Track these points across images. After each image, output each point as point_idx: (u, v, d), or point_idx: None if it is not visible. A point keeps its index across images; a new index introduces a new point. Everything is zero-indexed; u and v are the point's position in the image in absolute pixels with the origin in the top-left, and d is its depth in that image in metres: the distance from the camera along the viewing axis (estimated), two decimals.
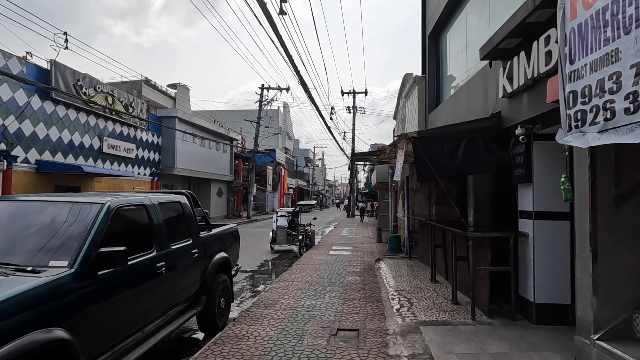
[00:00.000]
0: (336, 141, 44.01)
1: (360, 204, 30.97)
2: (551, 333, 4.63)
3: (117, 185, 18.75)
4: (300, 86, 10.91)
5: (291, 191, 54.04)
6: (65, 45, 11.96)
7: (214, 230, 5.75)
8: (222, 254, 5.67)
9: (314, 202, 17.25)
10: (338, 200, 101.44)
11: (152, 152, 22.07)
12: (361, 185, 58.04)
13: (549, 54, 4.09)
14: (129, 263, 3.45)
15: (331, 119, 24.22)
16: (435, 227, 7.37)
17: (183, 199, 5.00)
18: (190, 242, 4.81)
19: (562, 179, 4.16)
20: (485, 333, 4.66)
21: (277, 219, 13.91)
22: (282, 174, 46.91)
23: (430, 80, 10.29)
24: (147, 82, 35.21)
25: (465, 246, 6.16)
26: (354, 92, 39.28)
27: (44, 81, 13.91)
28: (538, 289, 4.94)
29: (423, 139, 5.50)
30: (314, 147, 77.29)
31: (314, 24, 10.67)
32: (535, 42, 4.34)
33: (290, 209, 14.66)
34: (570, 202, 4.13)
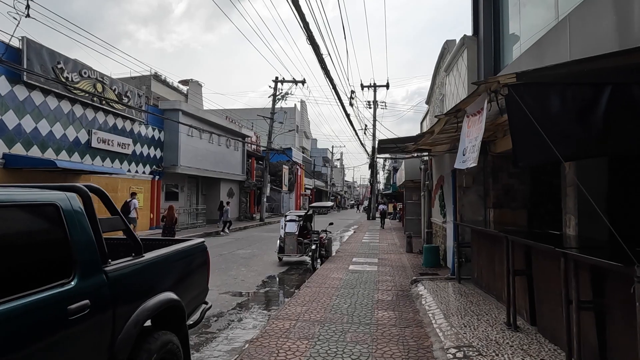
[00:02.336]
0: (355, 133, 41.41)
1: (381, 206, 28.03)
2: None
3: (110, 184, 16.65)
4: (310, 46, 8.48)
5: (308, 192, 51.67)
6: (26, 12, 9.81)
7: (150, 255, 3.30)
8: (165, 296, 3.23)
9: (330, 203, 14.72)
10: (353, 202, 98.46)
11: (152, 148, 19.98)
12: (380, 187, 55.23)
13: None
14: None
15: (351, 104, 21.64)
16: (514, 243, 4.75)
17: (63, 200, 2.57)
18: (72, 286, 2.37)
19: None
20: None
21: (285, 225, 11.47)
22: (299, 174, 44.60)
23: (486, 42, 7.66)
24: (156, 77, 33.47)
25: (588, 283, 3.56)
26: (375, 86, 36.66)
27: (13, 62, 11.85)
28: None
29: (529, 87, 2.92)
30: (332, 147, 74.78)
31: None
32: None
33: (302, 212, 12.18)
34: None
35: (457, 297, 6.33)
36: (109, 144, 16.44)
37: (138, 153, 18.73)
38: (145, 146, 19.37)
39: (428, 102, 13.11)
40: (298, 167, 43.38)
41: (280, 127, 38.62)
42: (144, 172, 19.22)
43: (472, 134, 3.65)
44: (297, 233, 11.27)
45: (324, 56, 9.77)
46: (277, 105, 31.07)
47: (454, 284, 7.31)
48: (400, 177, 17.27)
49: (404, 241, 15.76)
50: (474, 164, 3.52)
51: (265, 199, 30.66)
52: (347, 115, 20.18)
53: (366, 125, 32.42)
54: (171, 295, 3.35)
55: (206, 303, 4.33)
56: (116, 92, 16.49)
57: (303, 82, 30.38)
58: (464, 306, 5.81)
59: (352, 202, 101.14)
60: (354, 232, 22.41)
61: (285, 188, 40.59)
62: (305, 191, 49.28)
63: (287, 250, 11.32)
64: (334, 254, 12.50)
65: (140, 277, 3.07)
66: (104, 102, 15.76)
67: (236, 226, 24.77)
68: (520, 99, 2.87)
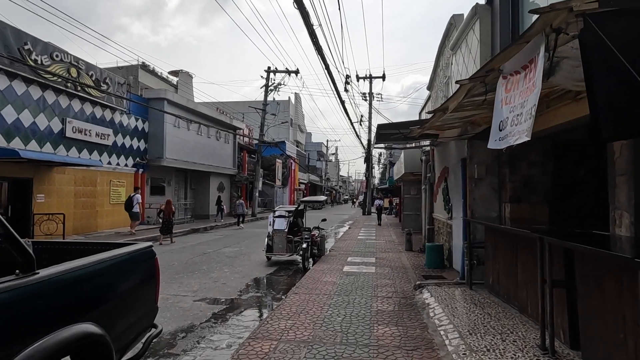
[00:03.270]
0: (350, 122, 40.29)
1: (378, 202, 26.45)
2: None
3: (87, 177, 15.52)
4: (297, 11, 7.36)
5: (302, 186, 50.65)
6: None
7: (51, 270, 2.27)
8: (77, 331, 2.21)
9: (324, 197, 13.68)
10: (348, 197, 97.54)
11: (135, 139, 18.80)
12: (375, 182, 54.19)
13: None
14: None
15: (346, 90, 20.47)
16: (553, 247, 3.75)
17: None
18: None
19: None
20: None
21: (273, 221, 10.43)
22: (293, 168, 43.54)
23: (502, 11, 6.63)
24: (144, 67, 32.17)
25: None
26: (371, 77, 35.59)
27: None
28: None
29: (619, 16, 1.90)
30: (327, 141, 73.62)
31: None
32: None
33: (292, 208, 11.15)
34: None
35: (471, 308, 5.34)
36: (86, 134, 15.26)
37: (119, 144, 17.56)
38: (128, 137, 18.19)
39: (430, 87, 12.09)
40: (292, 161, 42.32)
41: (274, 119, 37.52)
42: (126, 165, 18.07)
43: (516, 98, 2.64)
44: (286, 230, 10.25)
45: (314, 27, 8.64)
46: (270, 97, 29.97)
47: (464, 290, 6.33)
48: (399, 170, 16.29)
49: (402, 238, 14.80)
50: (526, 138, 2.50)
51: (257, 194, 29.59)
52: (342, 103, 19.08)
53: (362, 116, 31.35)
54: (88, 328, 2.32)
55: (155, 326, 3.30)
56: (93, 78, 15.30)
57: (297, 72, 29.24)
58: (481, 321, 4.82)
59: (347, 197, 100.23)
60: (349, 227, 21.45)
61: (278, 182, 39.51)
62: (299, 186, 48.24)
63: (275, 249, 10.30)
64: (327, 252, 11.51)
65: (25, 307, 2.03)
66: (79, 88, 14.58)
67: (226, 222, 23.73)
68: (606, 36, 1.85)
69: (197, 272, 9.17)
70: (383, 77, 35.54)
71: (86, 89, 14.88)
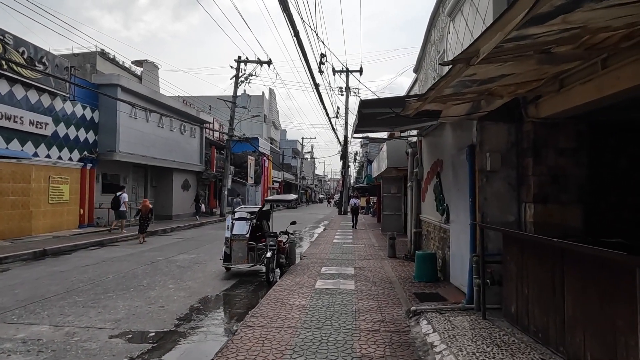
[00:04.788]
0: (325, 109, 38.73)
1: (354, 201, 23.68)
2: None
3: (19, 172, 13.21)
4: None
5: (276, 185, 48.70)
6: None
7: None
8: None
9: (294, 196, 11.67)
10: (323, 196, 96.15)
11: (83, 129, 16.51)
12: (352, 180, 52.82)
13: None
14: None
15: (320, 71, 18.64)
16: None
17: None
18: None
19: None
20: None
21: (232, 224, 8.63)
22: (266, 165, 41.55)
23: None
24: (103, 54, 29.47)
25: None
26: (347, 71, 34.03)
27: None
28: None
29: None
30: (302, 138, 71.71)
31: None
32: None
33: (255, 208, 9.34)
34: None
35: (495, 355, 3.73)
36: (15, 122, 12.97)
37: (62, 135, 15.28)
38: (73, 127, 15.90)
39: (417, 69, 10.52)
40: (265, 158, 40.33)
41: (245, 113, 35.43)
42: (70, 159, 15.78)
43: None
44: (247, 235, 8.46)
45: None
46: (241, 89, 28.00)
47: (476, 320, 4.73)
48: (379, 166, 14.73)
49: (382, 241, 13.28)
50: None
51: (226, 192, 27.51)
52: (316, 86, 17.28)
53: (338, 108, 29.96)
54: None
55: None
56: (25, 56, 13.02)
57: (269, 62, 27.36)
58: None
59: (323, 196, 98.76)
60: (325, 229, 19.77)
61: (250, 180, 37.47)
62: (273, 184, 46.27)
63: (234, 258, 8.50)
64: (298, 260, 9.79)
65: None
66: (5, 66, 12.30)
67: (191, 222, 21.66)
68: None
69: (133, 290, 7.28)
70: (360, 71, 34.02)
71: (15, 67, 12.61)
